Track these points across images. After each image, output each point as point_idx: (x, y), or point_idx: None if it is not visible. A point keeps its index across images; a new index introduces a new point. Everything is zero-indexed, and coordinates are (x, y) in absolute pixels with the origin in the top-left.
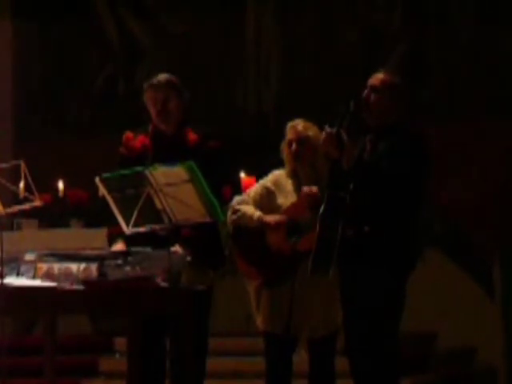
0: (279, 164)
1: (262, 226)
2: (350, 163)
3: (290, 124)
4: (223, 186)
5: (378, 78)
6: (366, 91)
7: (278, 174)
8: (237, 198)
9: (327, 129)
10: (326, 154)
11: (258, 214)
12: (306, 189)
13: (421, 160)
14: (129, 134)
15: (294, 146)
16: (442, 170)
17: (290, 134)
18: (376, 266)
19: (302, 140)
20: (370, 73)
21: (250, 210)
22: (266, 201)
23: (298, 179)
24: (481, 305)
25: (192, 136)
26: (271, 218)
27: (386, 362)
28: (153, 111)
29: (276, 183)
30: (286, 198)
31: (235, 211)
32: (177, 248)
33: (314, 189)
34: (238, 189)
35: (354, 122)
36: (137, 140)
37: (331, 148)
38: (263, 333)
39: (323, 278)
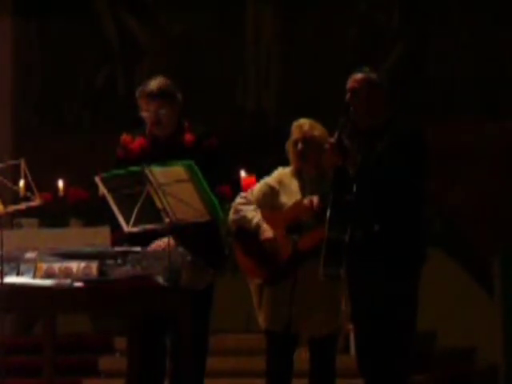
0: (279, 163)
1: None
2: (354, 169)
3: (295, 123)
4: (222, 184)
5: (355, 79)
6: (347, 96)
7: (282, 173)
8: (240, 196)
9: (329, 139)
10: (331, 164)
11: (256, 219)
12: (306, 202)
13: (422, 155)
14: (126, 137)
15: (299, 145)
16: (443, 169)
17: (295, 134)
18: (387, 264)
19: (307, 140)
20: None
21: (250, 212)
22: (270, 199)
23: (302, 179)
24: (481, 304)
25: (189, 137)
26: (267, 233)
27: (401, 363)
28: (147, 120)
29: (280, 182)
30: (290, 197)
31: (237, 210)
32: (168, 239)
33: (315, 201)
34: (237, 187)
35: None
36: (135, 142)
37: (334, 157)
38: (265, 331)
39: (334, 280)
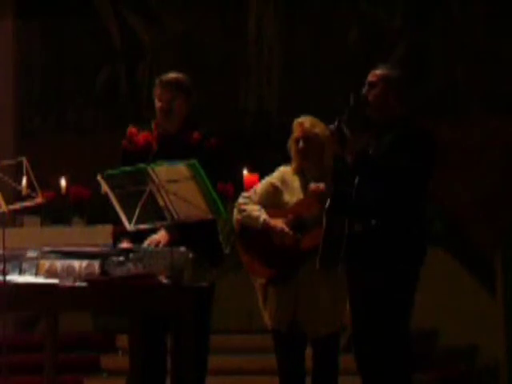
0: (282, 161)
1: (267, 230)
2: (353, 157)
3: (296, 121)
4: (224, 184)
5: (374, 73)
6: (365, 88)
7: (284, 171)
8: (243, 196)
9: (330, 126)
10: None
11: (263, 217)
12: (313, 186)
13: (426, 154)
14: (133, 129)
15: (301, 143)
16: (443, 168)
17: (297, 131)
18: (385, 259)
19: (309, 137)
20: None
21: (255, 211)
22: (273, 198)
23: (304, 176)
24: (482, 302)
25: (194, 135)
26: (276, 225)
27: (398, 357)
28: (158, 109)
29: (282, 180)
30: (293, 195)
31: (241, 210)
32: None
33: (321, 185)
34: (239, 186)
35: (357, 116)
36: (140, 136)
37: (334, 144)
38: (271, 330)
39: (330, 275)
